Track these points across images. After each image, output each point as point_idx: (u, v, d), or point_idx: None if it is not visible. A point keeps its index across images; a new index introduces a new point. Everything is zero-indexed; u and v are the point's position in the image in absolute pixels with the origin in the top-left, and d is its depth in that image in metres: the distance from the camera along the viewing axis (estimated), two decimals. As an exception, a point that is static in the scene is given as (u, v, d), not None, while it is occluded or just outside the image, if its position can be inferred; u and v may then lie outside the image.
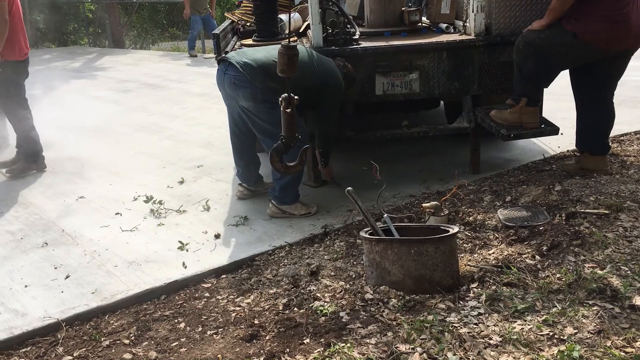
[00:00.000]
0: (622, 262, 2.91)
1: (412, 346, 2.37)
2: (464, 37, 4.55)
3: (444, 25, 4.90)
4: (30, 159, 5.34)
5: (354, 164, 5.07)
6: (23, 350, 2.85)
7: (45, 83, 10.14)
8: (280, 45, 3.27)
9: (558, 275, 2.88)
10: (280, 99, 3.50)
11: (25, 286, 3.39)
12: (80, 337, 2.91)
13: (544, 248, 3.25)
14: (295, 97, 3.41)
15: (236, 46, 4.82)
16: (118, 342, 2.83)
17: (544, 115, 4.64)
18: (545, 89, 4.45)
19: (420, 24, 5.03)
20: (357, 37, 4.54)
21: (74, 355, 2.76)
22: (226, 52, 4.46)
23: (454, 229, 2.99)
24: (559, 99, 5.57)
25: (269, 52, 4.00)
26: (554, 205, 3.78)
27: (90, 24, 19.61)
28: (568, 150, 4.95)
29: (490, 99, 4.84)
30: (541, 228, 3.48)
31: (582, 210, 3.57)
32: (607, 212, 3.50)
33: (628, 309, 2.55)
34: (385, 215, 3.27)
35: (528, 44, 4.04)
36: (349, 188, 3.18)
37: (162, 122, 7.15)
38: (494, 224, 3.67)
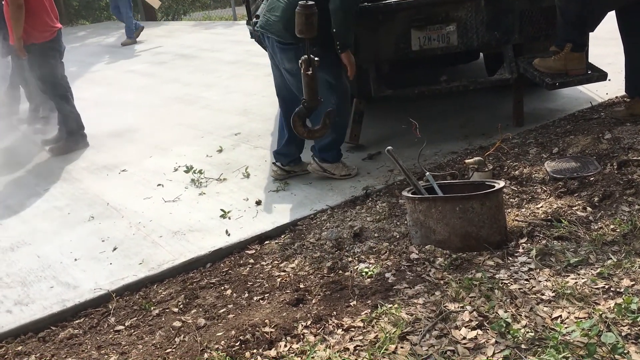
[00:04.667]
0: (680, 210, 2.79)
1: (462, 304, 2.33)
2: (503, -17, 4.35)
3: (481, -27, 4.69)
4: (71, 138, 5.41)
5: (393, 122, 4.97)
6: (77, 321, 2.92)
7: (82, 60, 10.27)
8: (297, 5, 3.18)
9: (612, 227, 2.77)
10: (300, 61, 3.42)
11: (75, 259, 3.45)
12: (130, 307, 2.96)
13: (596, 199, 3.13)
14: (316, 58, 3.32)
15: None
16: (167, 310, 2.87)
17: (590, 61, 4.44)
18: (590, 33, 4.24)
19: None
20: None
21: (126, 324, 2.81)
22: (257, 17, 4.37)
23: (500, 184, 2.90)
24: (607, 44, 5.32)
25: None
26: (605, 154, 3.64)
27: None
28: (617, 97, 4.73)
29: (533, 48, 4.65)
30: (592, 178, 3.35)
31: (636, 158, 3.42)
32: (661, 158, 3.34)
33: (689, 258, 2.44)
34: (428, 173, 3.19)
35: (571, -14, 3.84)
36: (389, 147, 3.10)
37: (197, 92, 7.14)
38: (541, 176, 3.55)
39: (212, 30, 12.22)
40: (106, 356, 2.53)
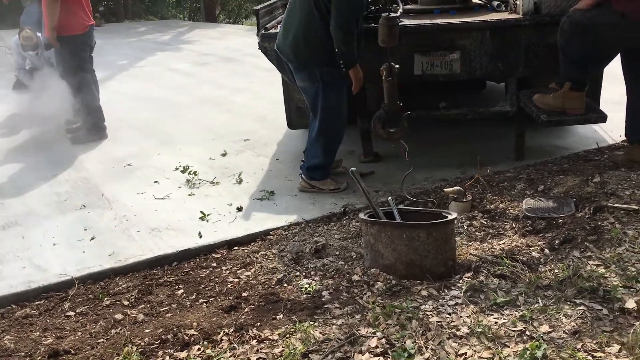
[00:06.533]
0: (631, 262, 2.71)
1: (375, 330, 2.35)
2: (511, 16, 4.32)
3: (495, 3, 4.67)
4: (91, 129, 5.68)
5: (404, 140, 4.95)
6: (37, 303, 3.09)
7: (133, 54, 10.71)
8: (381, 17, 3.71)
9: (556, 271, 2.72)
10: (381, 68, 3.78)
11: (54, 244, 3.65)
12: (87, 295, 3.11)
13: (557, 242, 3.08)
14: (396, 65, 3.72)
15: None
16: (118, 302, 3.00)
17: (608, 100, 4.33)
18: (604, 71, 4.15)
19: (475, 1, 4.83)
20: (398, 14, 4.42)
21: (77, 311, 2.96)
22: (266, 29, 4.50)
23: (451, 216, 2.90)
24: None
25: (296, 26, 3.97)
26: (586, 198, 3.56)
27: (190, -2, 20.33)
28: (622, 141, 4.61)
29: (542, 82, 4.58)
30: (560, 221, 3.30)
31: (611, 205, 3.33)
32: (636, 208, 3.24)
33: (617, 312, 2.38)
34: (390, 198, 3.22)
35: (573, 24, 3.78)
36: (353, 168, 3.16)
37: (227, 95, 7.34)
38: (516, 213, 3.51)
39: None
40: (43, 338, 2.68)
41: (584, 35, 3.75)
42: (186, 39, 12.79)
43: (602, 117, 4.06)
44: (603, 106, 4.63)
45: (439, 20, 4.35)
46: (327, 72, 3.94)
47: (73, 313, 2.94)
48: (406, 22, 4.35)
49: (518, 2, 4.34)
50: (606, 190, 3.58)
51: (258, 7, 4.73)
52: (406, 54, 4.32)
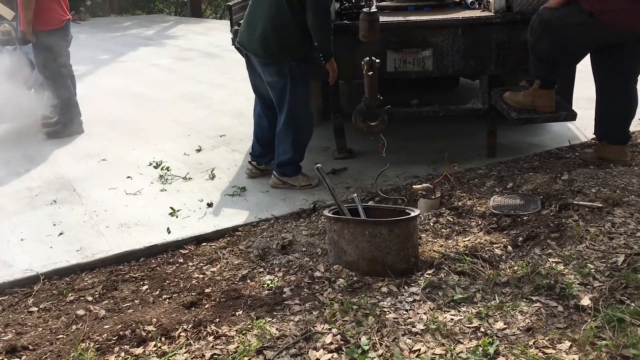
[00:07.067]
0: (591, 260, 2.74)
1: (331, 327, 2.36)
2: (483, 14, 4.34)
3: (469, 1, 4.69)
4: (67, 123, 5.65)
5: (366, 139, 4.97)
6: (0, 298, 3.07)
7: (115, 49, 10.65)
8: (362, 12, 3.76)
9: (515, 268, 2.75)
10: (362, 62, 3.81)
11: (22, 240, 3.63)
12: (52, 291, 3.10)
13: (520, 239, 3.11)
14: (377, 60, 3.78)
15: None
16: (82, 298, 3.00)
17: (581, 97, 4.36)
18: (577, 68, 4.18)
19: (450, -2, 4.85)
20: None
21: (40, 307, 2.95)
22: (240, 25, 4.48)
23: (414, 213, 2.92)
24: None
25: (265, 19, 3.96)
26: (553, 195, 3.59)
27: (176, -8, 20.23)
28: (592, 139, 4.65)
29: (514, 81, 4.61)
30: (525, 218, 3.32)
31: (576, 202, 3.36)
32: (600, 205, 3.28)
33: (572, 309, 2.41)
34: (355, 195, 3.24)
35: (542, 23, 3.81)
36: (318, 165, 3.15)
37: (205, 91, 7.32)
38: (483, 210, 3.54)
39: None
40: (3, 334, 2.67)
41: (553, 34, 3.78)
42: (170, 34, 12.74)
43: (571, 115, 4.09)
44: (577, 104, 4.68)
45: (411, 17, 4.36)
46: (296, 67, 3.95)
47: (36, 309, 2.93)
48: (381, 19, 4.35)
49: (491, 0, 4.36)
50: (573, 188, 3.61)
51: (231, 2, 4.72)
52: (378, 51, 4.33)
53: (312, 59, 4.06)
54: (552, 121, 4.32)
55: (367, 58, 3.81)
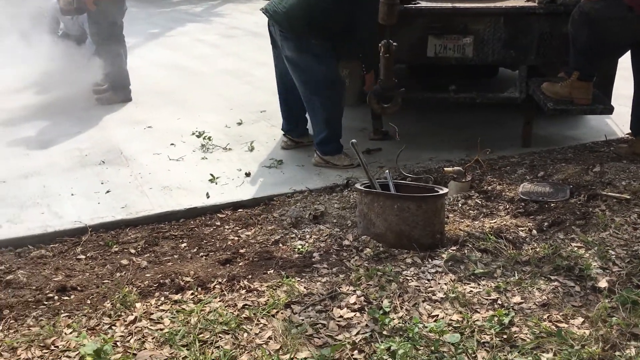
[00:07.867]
0: (613, 247, 2.82)
1: (355, 289, 2.51)
2: (527, 4, 4.38)
3: (514, -11, 4.73)
4: (117, 91, 5.90)
5: (409, 122, 5.08)
6: (51, 245, 3.31)
7: (164, 24, 10.91)
8: None
9: (538, 249, 2.85)
10: (380, 44, 3.86)
11: (72, 195, 3.87)
12: (98, 242, 3.33)
13: (545, 224, 3.19)
14: (395, 43, 3.81)
15: None
16: (126, 250, 3.21)
17: (623, 95, 4.37)
18: (619, 65, 4.20)
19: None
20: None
21: (87, 255, 3.18)
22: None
23: (442, 191, 3.04)
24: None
25: None
26: (583, 185, 3.65)
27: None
28: (627, 134, 4.66)
29: (553, 72, 4.65)
30: (552, 205, 3.40)
31: (605, 193, 3.43)
32: (628, 197, 3.34)
33: (589, 289, 2.51)
34: (387, 171, 3.36)
35: (582, 15, 3.85)
36: (353, 140, 3.29)
37: (248, 69, 7.50)
38: (512, 195, 3.63)
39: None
40: (54, 276, 2.90)
41: (592, 27, 3.82)
42: (217, 12, 12.93)
43: (608, 109, 4.13)
44: (618, 101, 4.68)
45: (457, 5, 4.43)
46: (316, 45, 4.00)
47: (84, 257, 3.15)
48: (422, 4, 4.45)
49: (536, -10, 4.39)
50: (603, 180, 3.68)
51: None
52: (419, 36, 4.43)
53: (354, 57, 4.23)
54: (589, 113, 4.36)
55: (385, 40, 3.82)
